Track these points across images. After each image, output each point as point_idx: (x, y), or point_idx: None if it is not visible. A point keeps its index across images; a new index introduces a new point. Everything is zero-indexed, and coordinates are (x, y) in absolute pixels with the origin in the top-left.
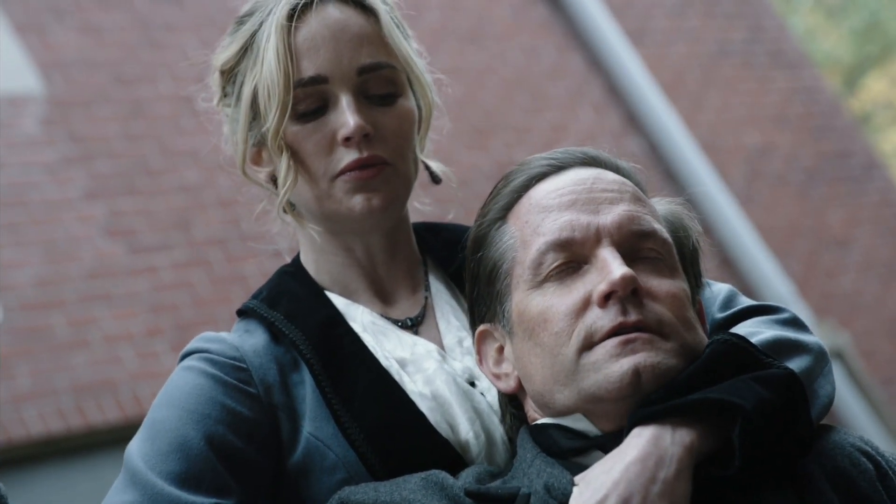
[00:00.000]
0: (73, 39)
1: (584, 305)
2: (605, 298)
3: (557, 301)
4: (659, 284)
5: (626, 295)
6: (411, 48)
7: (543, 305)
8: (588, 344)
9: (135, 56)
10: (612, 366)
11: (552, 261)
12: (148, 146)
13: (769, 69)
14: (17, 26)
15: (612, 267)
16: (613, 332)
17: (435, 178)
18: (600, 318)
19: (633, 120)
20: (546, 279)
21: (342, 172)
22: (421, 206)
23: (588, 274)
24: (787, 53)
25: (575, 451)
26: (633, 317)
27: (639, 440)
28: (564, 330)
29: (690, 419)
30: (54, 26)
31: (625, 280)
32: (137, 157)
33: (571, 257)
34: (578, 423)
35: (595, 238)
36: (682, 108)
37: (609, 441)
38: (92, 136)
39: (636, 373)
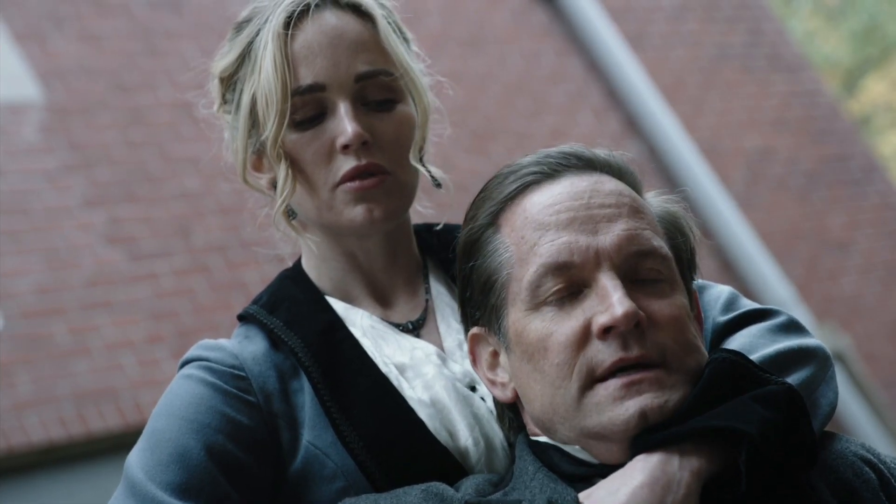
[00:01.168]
0: (72, 47)
1: (584, 336)
2: (606, 331)
3: (557, 329)
4: (660, 309)
5: (627, 330)
6: (410, 52)
7: (543, 332)
8: (589, 381)
9: (134, 64)
10: (618, 409)
11: (551, 285)
12: (147, 153)
13: (768, 73)
14: (17, 34)
15: (612, 299)
16: (615, 368)
17: (436, 182)
18: (601, 352)
19: (633, 124)
20: (544, 303)
21: (342, 181)
22: (423, 210)
23: (588, 299)
24: (787, 57)
25: (577, 478)
26: (634, 352)
27: (646, 464)
28: (566, 362)
29: (697, 443)
30: (54, 34)
31: (627, 317)
32: (137, 164)
33: (570, 281)
34: (578, 452)
35: (595, 261)
36: (682, 112)
37: (613, 471)
38: (91, 143)
39: (643, 415)
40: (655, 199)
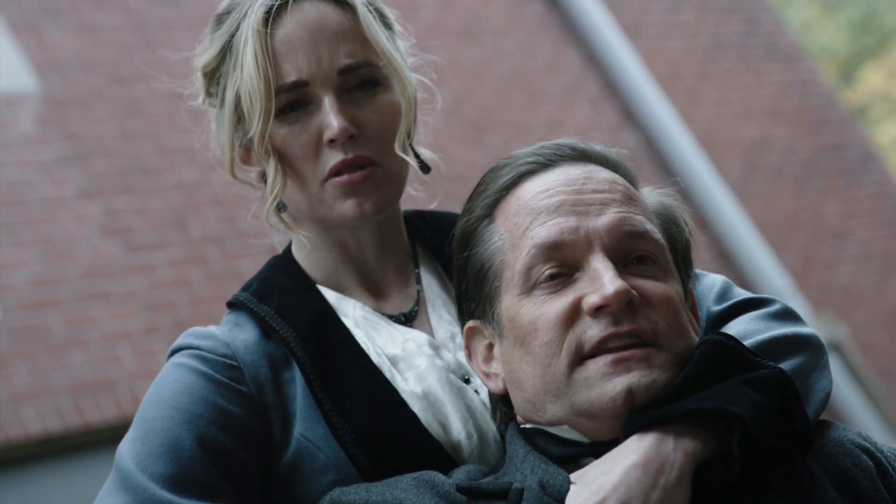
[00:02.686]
0: (68, 39)
1: (574, 314)
2: (597, 310)
3: (547, 310)
4: (653, 289)
5: (619, 308)
6: (394, 36)
7: (534, 314)
8: (578, 356)
9: (130, 55)
10: (605, 385)
11: (543, 267)
12: (144, 145)
13: (765, 62)
14: (13, 26)
15: (604, 279)
16: (604, 343)
17: (424, 168)
18: (590, 328)
19: (630, 114)
20: (536, 286)
21: (330, 176)
22: (415, 193)
23: (579, 282)
24: (783, 46)
25: (567, 458)
26: (625, 326)
27: (640, 444)
28: (555, 340)
29: (691, 425)
30: (50, 26)
31: (618, 295)
32: (133, 155)
33: (562, 263)
34: (567, 433)
35: (585, 242)
36: (679, 103)
37: (602, 449)
38: (88, 135)
39: (629, 393)
40: (651, 193)
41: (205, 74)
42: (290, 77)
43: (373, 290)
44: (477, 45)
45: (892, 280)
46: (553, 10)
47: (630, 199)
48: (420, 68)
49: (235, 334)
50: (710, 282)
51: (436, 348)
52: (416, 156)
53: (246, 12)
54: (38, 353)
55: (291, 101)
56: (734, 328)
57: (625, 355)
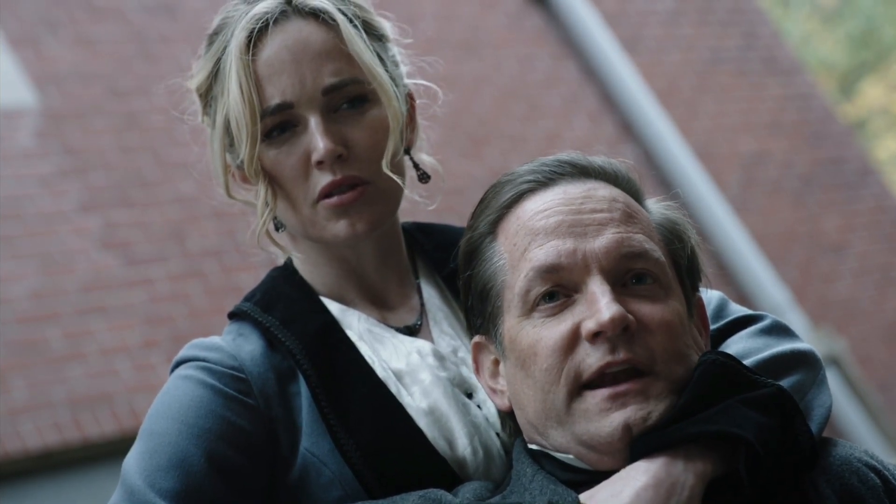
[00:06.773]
0: (67, 52)
1: (573, 340)
2: (594, 336)
3: (546, 334)
4: (651, 313)
5: (615, 335)
6: (387, 46)
7: (533, 338)
8: (577, 386)
9: (129, 68)
10: (603, 420)
11: (540, 289)
12: (142, 158)
13: (763, 76)
14: (12, 39)
15: (600, 304)
16: (601, 372)
17: (422, 178)
18: (589, 357)
19: (628, 128)
20: (535, 308)
21: (320, 198)
22: (420, 199)
23: (577, 305)
24: (781, 60)
25: (574, 483)
26: (621, 355)
27: (649, 465)
28: (554, 367)
29: (700, 446)
30: (48, 39)
31: (613, 322)
32: (132, 168)
33: (559, 284)
34: (573, 461)
35: (583, 264)
36: (677, 116)
37: (608, 476)
38: (86, 148)
39: (627, 427)
40: (655, 206)
41: (200, 95)
42: (275, 100)
43: (377, 303)
44: (475, 58)
45: (891, 294)
46: (552, 24)
47: (630, 217)
48: (419, 74)
49: (240, 345)
50: (707, 300)
51: (440, 358)
52: (416, 165)
53: (231, 35)
54: (36, 366)
55: (278, 124)
56: (733, 348)
57: (620, 390)
